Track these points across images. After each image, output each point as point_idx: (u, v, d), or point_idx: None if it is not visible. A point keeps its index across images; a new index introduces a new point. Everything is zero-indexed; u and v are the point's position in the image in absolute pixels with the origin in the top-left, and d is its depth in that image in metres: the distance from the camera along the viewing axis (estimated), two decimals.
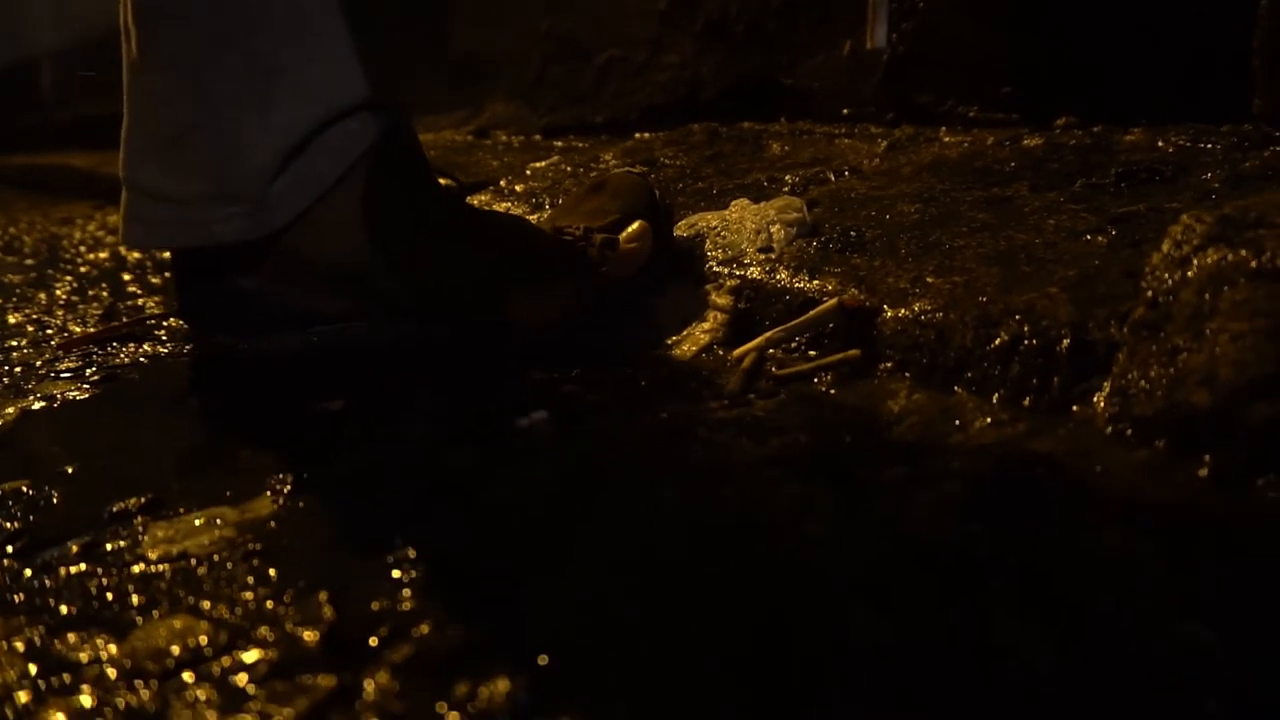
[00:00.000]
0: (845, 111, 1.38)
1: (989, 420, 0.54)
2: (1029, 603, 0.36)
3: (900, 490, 0.47)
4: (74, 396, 0.71)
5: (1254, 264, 0.45)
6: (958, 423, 0.54)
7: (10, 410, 0.68)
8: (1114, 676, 0.31)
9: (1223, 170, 0.78)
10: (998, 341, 0.57)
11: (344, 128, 0.73)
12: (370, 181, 0.74)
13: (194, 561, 0.43)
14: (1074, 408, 0.53)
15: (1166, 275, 0.50)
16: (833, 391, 0.61)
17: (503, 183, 1.22)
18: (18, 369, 0.79)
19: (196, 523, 0.48)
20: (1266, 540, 0.40)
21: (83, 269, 1.35)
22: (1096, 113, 1.10)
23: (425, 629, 0.37)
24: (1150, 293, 0.50)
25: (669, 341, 0.74)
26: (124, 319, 0.97)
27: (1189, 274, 0.48)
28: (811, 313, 0.66)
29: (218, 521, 0.48)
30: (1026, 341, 0.56)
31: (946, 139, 1.12)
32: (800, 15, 1.45)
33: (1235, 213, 0.50)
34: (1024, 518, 0.43)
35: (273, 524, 0.47)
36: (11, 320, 1.00)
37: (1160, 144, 0.93)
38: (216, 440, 0.62)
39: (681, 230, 0.85)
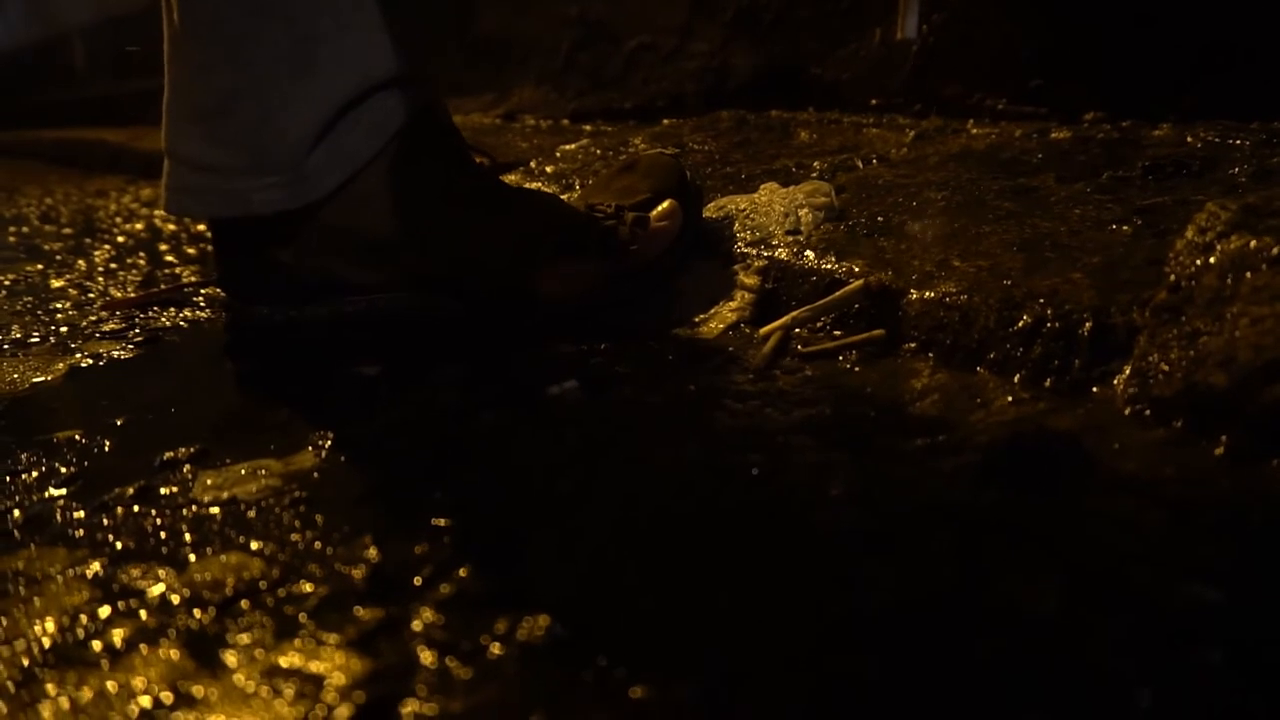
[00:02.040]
0: (874, 102, 1.39)
1: (1009, 399, 0.55)
2: (1037, 561, 0.38)
3: (919, 459, 0.48)
4: (119, 355, 0.74)
5: (1276, 250, 0.46)
6: (979, 400, 0.56)
7: (60, 366, 0.71)
8: (1117, 627, 0.33)
9: (1250, 165, 0.78)
10: (1020, 324, 0.58)
11: (380, 101, 0.74)
12: (405, 156, 0.76)
13: (243, 506, 0.45)
14: (1094, 389, 0.54)
15: (1189, 260, 0.51)
16: (857, 369, 0.63)
17: (533, 164, 1.23)
18: (64, 329, 0.82)
19: (243, 471, 0.50)
20: (1276, 514, 0.41)
21: (120, 238, 1.37)
22: (1125, 108, 1.10)
23: (464, 572, 0.39)
24: (1173, 277, 0.51)
25: (696, 319, 0.75)
26: (163, 285, 1.00)
27: (1211, 259, 0.49)
28: (838, 293, 0.68)
29: (262, 472, 0.50)
30: (1049, 324, 0.57)
31: (974, 130, 1.12)
32: (830, 5, 1.46)
33: (1259, 201, 0.51)
34: (1039, 486, 0.45)
35: (316, 475, 0.49)
36: (54, 284, 1.03)
37: (1189, 139, 0.94)
38: (258, 399, 0.65)
39: (710, 212, 0.87)
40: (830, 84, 1.46)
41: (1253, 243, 0.48)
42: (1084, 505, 0.43)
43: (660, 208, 0.82)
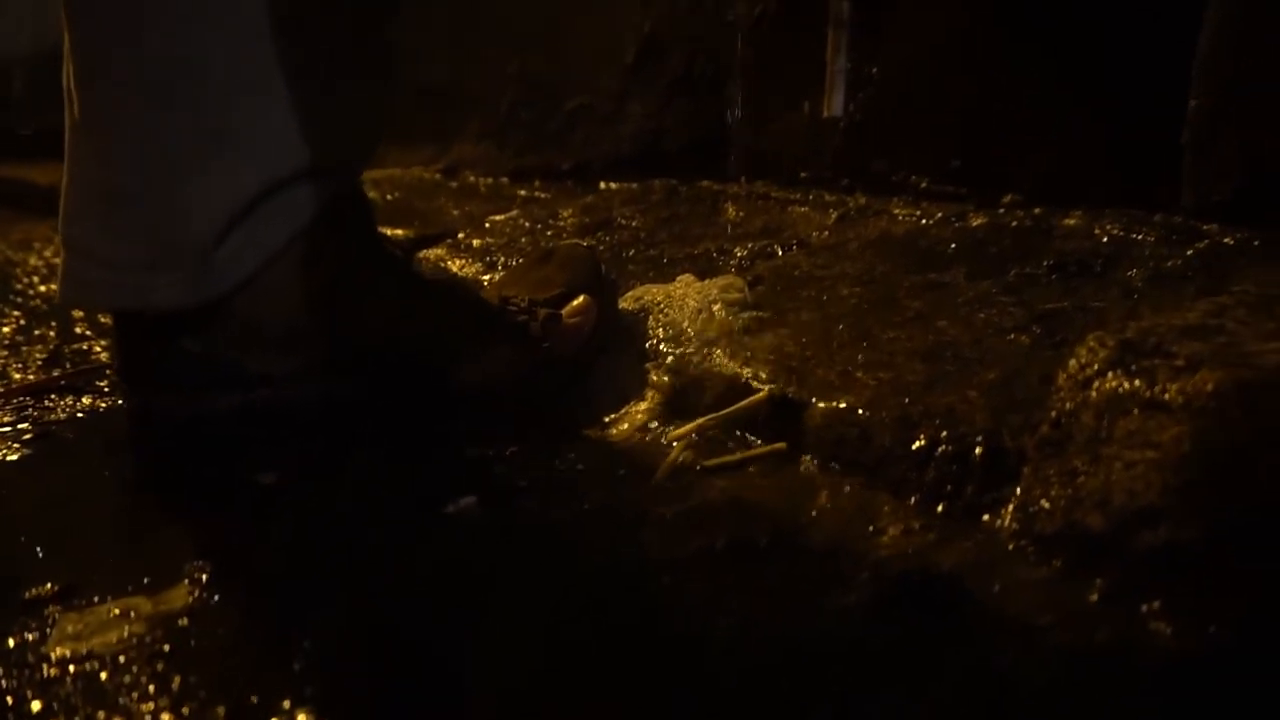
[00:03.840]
0: (803, 174, 1.41)
1: (902, 526, 0.55)
2: (910, 712, 0.38)
3: (808, 594, 0.48)
4: (3, 456, 0.71)
5: (1147, 395, 0.47)
6: (873, 527, 0.56)
7: None
8: None
9: (1147, 268, 0.81)
10: (916, 445, 0.59)
11: (291, 192, 0.73)
12: (317, 246, 0.74)
13: (98, 664, 0.43)
14: (984, 516, 0.55)
15: (1070, 396, 0.52)
16: (758, 484, 0.62)
17: (461, 235, 1.23)
18: None
19: (109, 614, 0.48)
20: (1145, 664, 0.41)
21: (34, 302, 1.33)
22: (1041, 191, 1.13)
23: None
24: (1054, 412, 0.52)
25: (606, 419, 0.75)
26: (68, 365, 0.97)
27: (1090, 397, 0.50)
28: (743, 403, 0.68)
29: (131, 614, 0.48)
30: (943, 447, 0.58)
31: (896, 212, 1.14)
32: (762, 77, 1.48)
33: (1137, 337, 0.52)
34: (922, 629, 0.45)
35: (184, 620, 0.47)
36: None
37: (1096, 231, 0.96)
38: (145, 514, 0.62)
39: (627, 303, 0.87)
40: (761, 154, 1.48)
41: (1126, 385, 0.49)
42: (961, 654, 0.43)
43: (574, 304, 0.81)
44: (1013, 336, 0.70)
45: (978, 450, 0.57)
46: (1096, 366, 0.51)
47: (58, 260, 1.59)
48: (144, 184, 0.69)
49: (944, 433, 0.59)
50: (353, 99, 0.78)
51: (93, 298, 0.74)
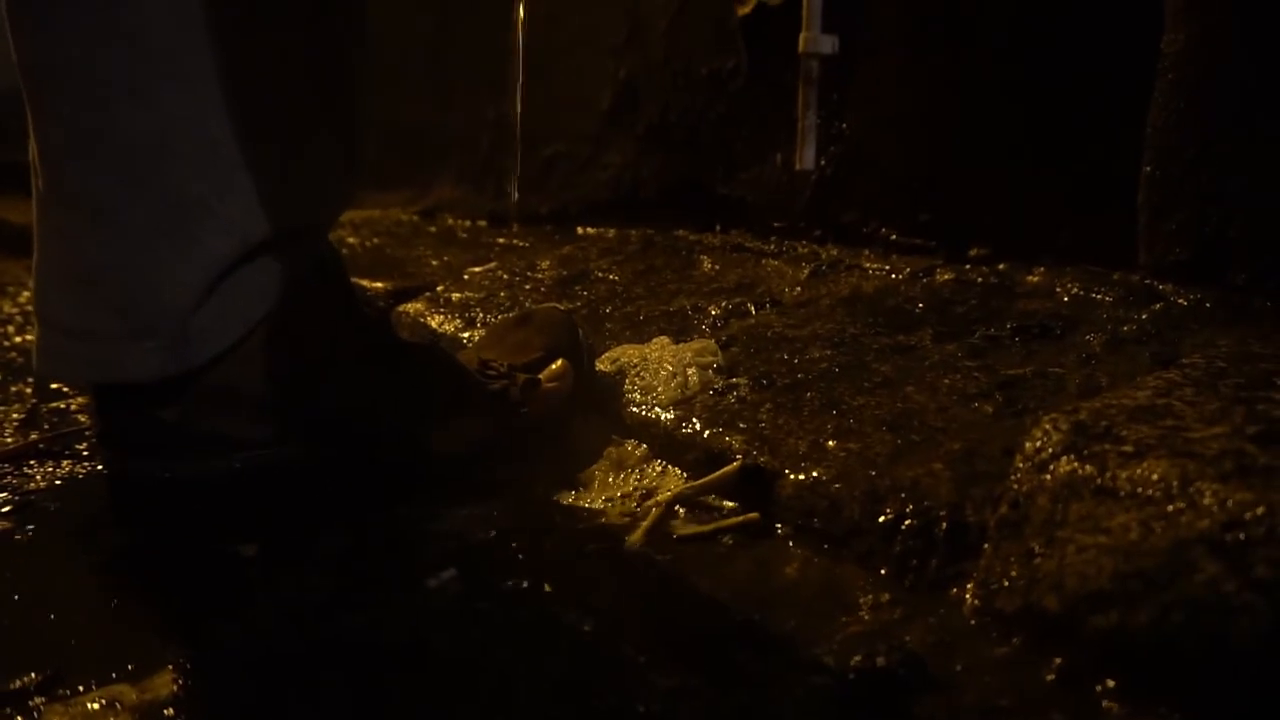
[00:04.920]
0: (776, 224, 1.44)
1: (869, 600, 0.57)
2: None
3: (773, 680, 0.50)
4: None
5: (1098, 481, 0.50)
6: (841, 602, 0.58)
7: None
8: None
9: (1105, 331, 0.84)
10: (883, 519, 0.61)
11: (265, 260, 0.73)
12: (293, 313, 0.75)
13: None
14: (949, 590, 0.57)
15: (1026, 478, 0.54)
16: (729, 556, 0.64)
17: (440, 288, 1.24)
18: None
19: (94, 706, 0.49)
20: None
21: (9, 354, 1.33)
22: (1006, 244, 1.17)
23: None
24: (1012, 493, 0.54)
25: (583, 487, 0.76)
26: (46, 426, 0.97)
27: (1045, 480, 0.53)
28: (716, 474, 0.70)
29: (116, 706, 0.49)
30: (909, 521, 0.60)
31: (867, 266, 1.18)
32: (736, 127, 1.52)
33: (1089, 419, 0.54)
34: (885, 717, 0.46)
35: (170, 711, 0.48)
36: None
37: (1057, 289, 1.00)
38: (127, 592, 0.63)
39: (604, 364, 0.88)
40: (736, 203, 1.51)
41: (1079, 470, 0.51)
42: None
43: (552, 368, 0.83)
44: (976, 405, 0.73)
45: (942, 525, 0.59)
46: (1051, 450, 0.53)
47: (31, 307, 1.58)
48: (114, 258, 0.68)
49: (909, 506, 0.61)
50: (322, 158, 0.77)
51: (69, 370, 0.74)
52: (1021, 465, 0.55)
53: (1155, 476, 0.48)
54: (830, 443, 0.70)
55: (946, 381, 0.78)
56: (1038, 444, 0.54)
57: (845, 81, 1.32)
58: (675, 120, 1.59)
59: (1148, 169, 0.95)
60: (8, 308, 1.71)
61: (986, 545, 0.55)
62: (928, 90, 1.25)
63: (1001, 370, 0.79)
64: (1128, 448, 0.51)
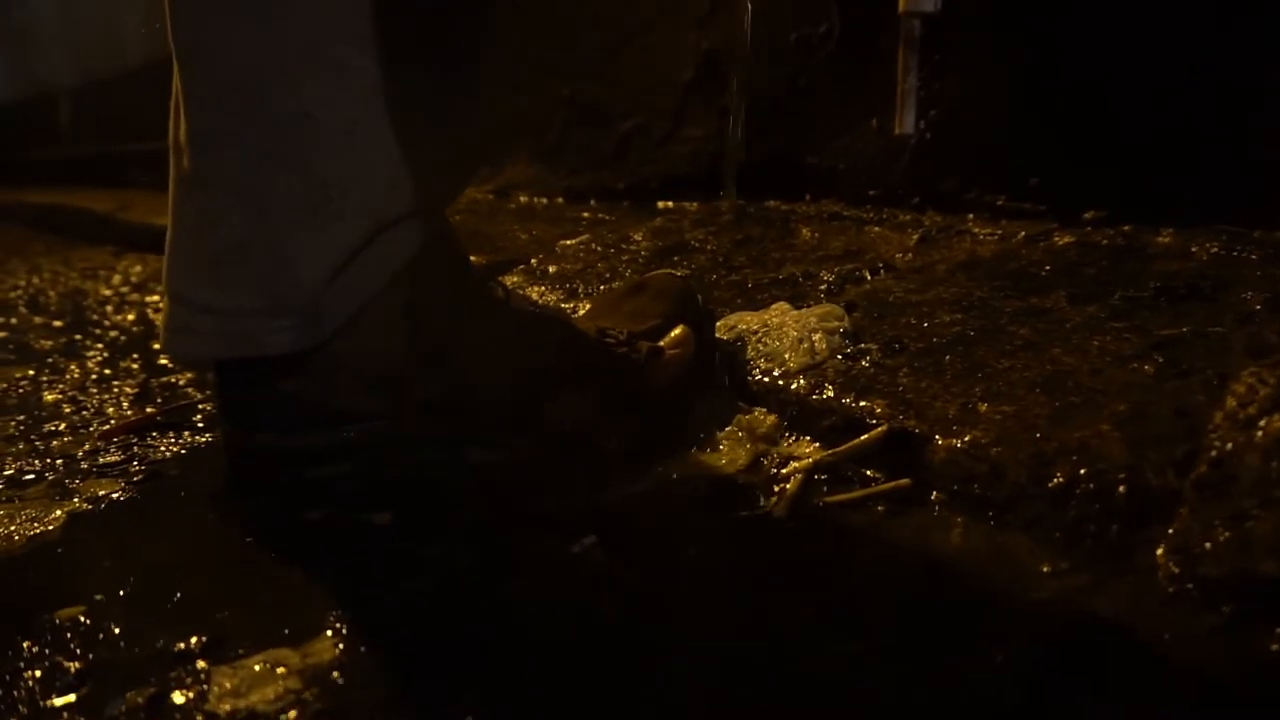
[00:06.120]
0: (871, 193, 1.40)
1: (1047, 568, 0.54)
2: None
3: (956, 655, 0.47)
4: (119, 497, 0.72)
5: None
6: (1014, 570, 0.54)
7: (58, 514, 0.69)
8: None
9: (1262, 290, 0.78)
10: (1053, 483, 0.57)
11: (391, 235, 0.74)
12: (413, 287, 0.75)
13: None
14: (1134, 557, 0.53)
15: (1230, 436, 0.50)
16: (884, 524, 0.61)
17: (534, 261, 1.23)
18: (59, 461, 0.80)
19: (258, 668, 0.48)
20: None
21: (112, 333, 1.35)
22: (1125, 207, 1.11)
23: None
24: (1214, 452, 0.50)
25: (713, 454, 0.74)
26: (158, 399, 0.98)
27: (1255, 437, 0.49)
28: (861, 438, 0.67)
29: (280, 670, 0.48)
30: (1082, 485, 0.56)
31: (977, 231, 1.13)
32: (826, 94, 1.47)
33: None
34: (1087, 698, 0.43)
35: (335, 674, 0.47)
36: (48, 398, 1.01)
37: (1194, 249, 0.94)
38: (270, 558, 0.62)
39: (721, 332, 0.86)
40: (827, 173, 1.47)
41: None
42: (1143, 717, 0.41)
43: (672, 334, 0.81)
44: (1134, 366, 0.68)
45: (1120, 489, 0.55)
46: (1258, 405, 0.49)
47: (125, 289, 1.62)
48: (255, 237, 0.69)
49: (1081, 469, 0.57)
50: (451, 139, 0.78)
51: (201, 347, 0.74)
52: (1221, 422, 0.51)
53: None
54: (982, 405, 0.66)
55: (1095, 343, 0.73)
56: (1242, 398, 0.50)
57: (946, 42, 1.27)
58: (761, 90, 1.55)
59: None
60: (103, 290, 1.74)
61: (1182, 509, 0.52)
62: (1034, 48, 1.20)
63: (1154, 331, 0.74)
64: None
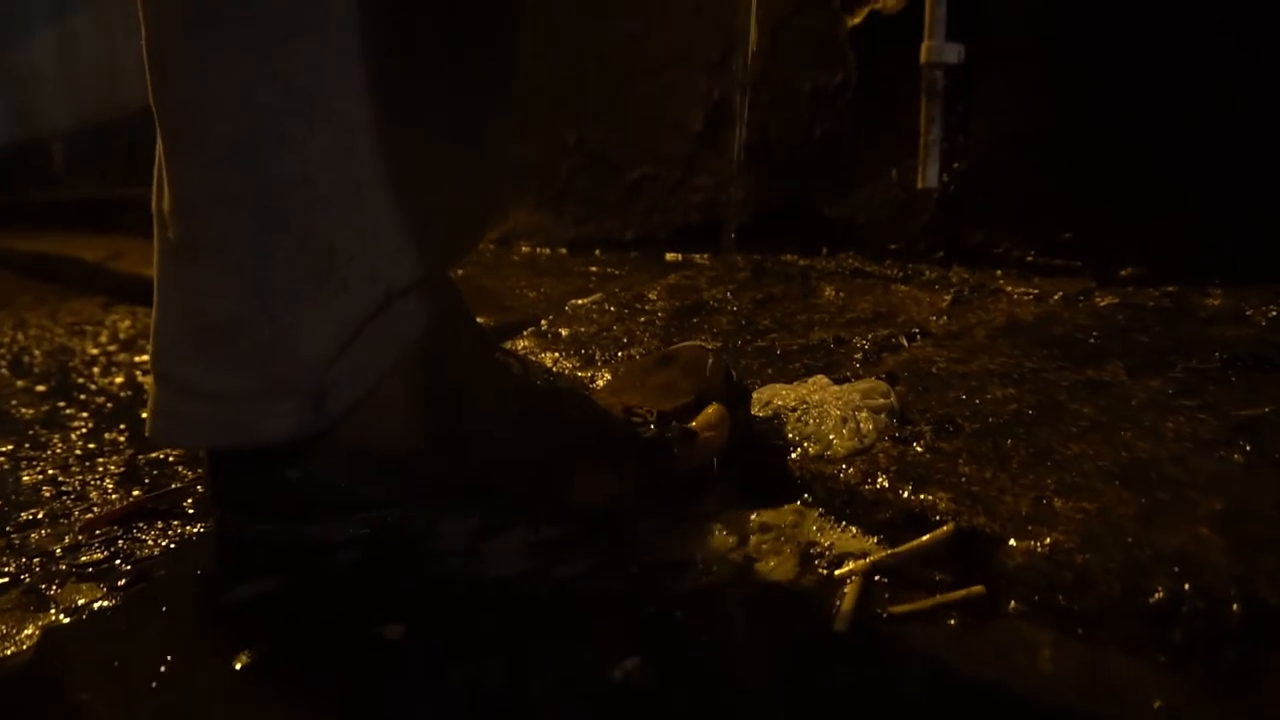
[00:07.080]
0: (892, 246, 1.35)
1: (1158, 699, 0.48)
2: None
3: None
4: (102, 606, 0.65)
5: None
6: (1121, 698, 0.48)
7: (31, 630, 0.62)
8: None
9: None
10: (1154, 597, 0.51)
11: (400, 308, 0.68)
12: (423, 364, 0.69)
13: None
14: (1261, 685, 0.47)
15: None
16: (959, 640, 0.55)
17: (544, 323, 1.17)
18: (36, 561, 0.73)
19: None
20: None
21: (98, 399, 1.28)
22: (1166, 262, 1.06)
23: None
24: None
25: (759, 552, 0.67)
26: (146, 480, 0.91)
27: None
28: (925, 538, 0.60)
29: None
30: (1188, 602, 0.50)
31: (1011, 290, 1.08)
32: (844, 144, 1.43)
33: None
34: None
35: None
36: (26, 479, 0.94)
37: (1249, 312, 0.89)
38: (268, 685, 0.55)
39: (755, 408, 0.80)
40: (845, 225, 1.42)
41: None
42: None
43: (706, 414, 0.75)
44: (1222, 454, 0.63)
45: (1233, 605, 0.49)
46: None
47: (113, 348, 1.54)
48: (252, 311, 0.63)
49: (1185, 584, 0.51)
50: (462, 203, 0.73)
51: (190, 435, 0.68)
52: None
53: None
54: (1057, 501, 0.60)
55: (1170, 425, 0.68)
56: None
57: (970, 92, 1.23)
58: (776, 138, 1.51)
59: None
60: (90, 349, 1.68)
61: None
62: (1064, 98, 1.16)
63: (1231, 411, 0.68)
64: None
